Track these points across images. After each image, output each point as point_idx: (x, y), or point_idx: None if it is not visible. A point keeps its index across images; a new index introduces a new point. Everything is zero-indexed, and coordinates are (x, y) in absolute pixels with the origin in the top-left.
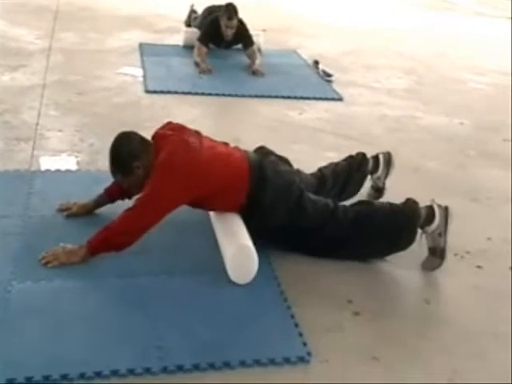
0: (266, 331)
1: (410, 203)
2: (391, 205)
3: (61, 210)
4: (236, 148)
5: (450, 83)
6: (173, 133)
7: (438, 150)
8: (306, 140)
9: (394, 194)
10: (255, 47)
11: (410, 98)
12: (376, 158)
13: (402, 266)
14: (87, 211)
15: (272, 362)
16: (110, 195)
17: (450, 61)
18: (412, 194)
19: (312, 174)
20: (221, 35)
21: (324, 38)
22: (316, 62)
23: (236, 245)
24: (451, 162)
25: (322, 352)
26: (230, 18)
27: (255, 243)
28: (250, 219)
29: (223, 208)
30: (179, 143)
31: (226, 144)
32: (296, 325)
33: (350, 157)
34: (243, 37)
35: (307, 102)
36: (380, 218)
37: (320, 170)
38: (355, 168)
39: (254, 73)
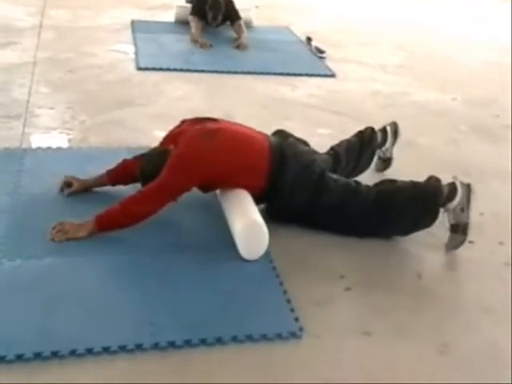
0: (258, 307)
1: (433, 181)
2: (414, 183)
3: (62, 189)
4: (258, 131)
5: (441, 59)
6: (187, 128)
7: (430, 126)
8: (298, 116)
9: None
10: (241, 22)
11: (403, 73)
12: (384, 130)
13: (395, 241)
14: (86, 189)
15: (264, 337)
16: (112, 179)
17: (443, 36)
18: (405, 169)
19: (326, 153)
20: (207, 21)
21: (317, 15)
22: (309, 39)
23: (248, 220)
24: (443, 137)
25: (313, 327)
26: (214, 18)
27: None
28: (272, 201)
29: (245, 185)
30: (191, 138)
31: (248, 128)
32: (288, 300)
33: (360, 132)
34: (230, 14)
35: (300, 78)
36: (402, 196)
37: (333, 148)
38: (367, 143)
39: (238, 47)
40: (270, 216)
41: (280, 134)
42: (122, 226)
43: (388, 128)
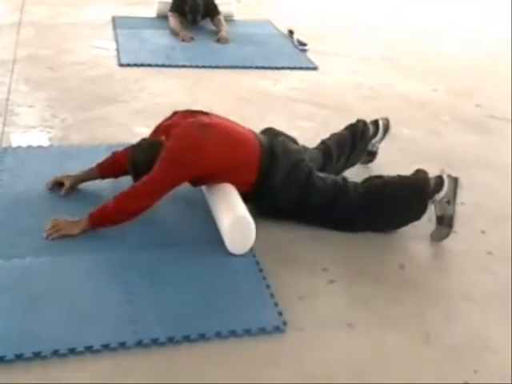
0: (241, 302)
1: (420, 173)
2: (401, 177)
3: (52, 188)
4: (248, 129)
5: (424, 50)
6: (179, 120)
7: (412, 117)
8: (281, 110)
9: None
10: (221, 16)
11: (385, 65)
12: (376, 123)
13: (377, 233)
14: (77, 184)
15: (248, 332)
16: (102, 172)
17: (424, 28)
18: (388, 161)
19: (316, 148)
20: (187, 19)
21: (299, 8)
22: (290, 32)
23: (235, 215)
24: (426, 128)
25: (297, 321)
26: (194, 20)
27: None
28: (261, 198)
29: (233, 182)
30: (184, 131)
31: (238, 124)
32: (271, 295)
33: (351, 125)
34: (210, 10)
35: (282, 71)
36: (390, 191)
37: (323, 142)
38: (359, 136)
39: (219, 40)
40: (258, 212)
41: (269, 132)
42: (115, 222)
43: (380, 122)
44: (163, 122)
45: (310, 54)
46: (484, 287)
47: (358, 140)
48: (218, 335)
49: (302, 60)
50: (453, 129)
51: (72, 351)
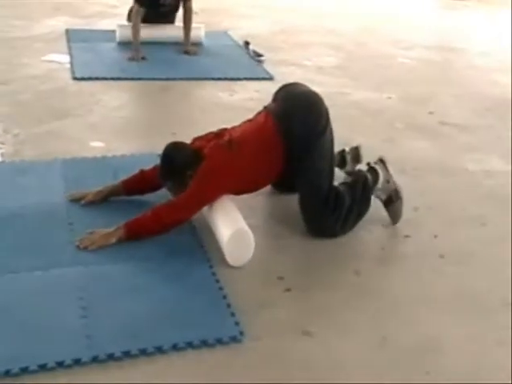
0: (198, 314)
1: (357, 173)
2: (345, 184)
3: (75, 200)
4: (260, 115)
5: (377, 59)
6: (205, 144)
7: (367, 125)
8: (237, 120)
9: None
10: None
11: (340, 74)
12: (342, 154)
13: (331, 240)
14: (101, 199)
15: (204, 343)
16: (128, 189)
17: (378, 37)
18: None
19: None
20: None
21: (255, 18)
22: (246, 43)
23: (235, 228)
24: (380, 135)
25: (254, 330)
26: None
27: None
28: (297, 166)
29: (268, 176)
30: (213, 151)
31: (250, 122)
32: (228, 305)
33: None
34: None
35: (238, 82)
36: (347, 199)
37: None
38: None
39: (187, 52)
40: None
41: (278, 95)
42: (151, 232)
43: (348, 156)
44: (196, 144)
45: (265, 65)
46: (437, 290)
47: None
48: (175, 347)
49: (258, 70)
50: (406, 135)
51: (24, 370)
